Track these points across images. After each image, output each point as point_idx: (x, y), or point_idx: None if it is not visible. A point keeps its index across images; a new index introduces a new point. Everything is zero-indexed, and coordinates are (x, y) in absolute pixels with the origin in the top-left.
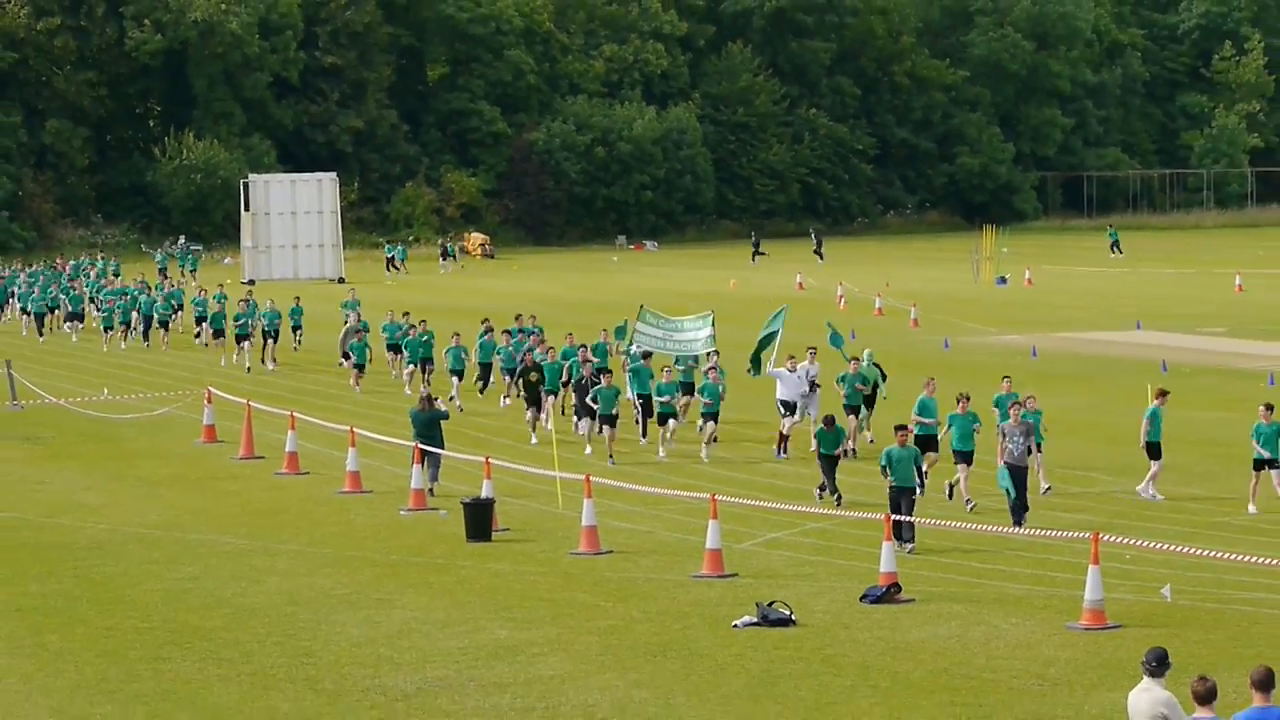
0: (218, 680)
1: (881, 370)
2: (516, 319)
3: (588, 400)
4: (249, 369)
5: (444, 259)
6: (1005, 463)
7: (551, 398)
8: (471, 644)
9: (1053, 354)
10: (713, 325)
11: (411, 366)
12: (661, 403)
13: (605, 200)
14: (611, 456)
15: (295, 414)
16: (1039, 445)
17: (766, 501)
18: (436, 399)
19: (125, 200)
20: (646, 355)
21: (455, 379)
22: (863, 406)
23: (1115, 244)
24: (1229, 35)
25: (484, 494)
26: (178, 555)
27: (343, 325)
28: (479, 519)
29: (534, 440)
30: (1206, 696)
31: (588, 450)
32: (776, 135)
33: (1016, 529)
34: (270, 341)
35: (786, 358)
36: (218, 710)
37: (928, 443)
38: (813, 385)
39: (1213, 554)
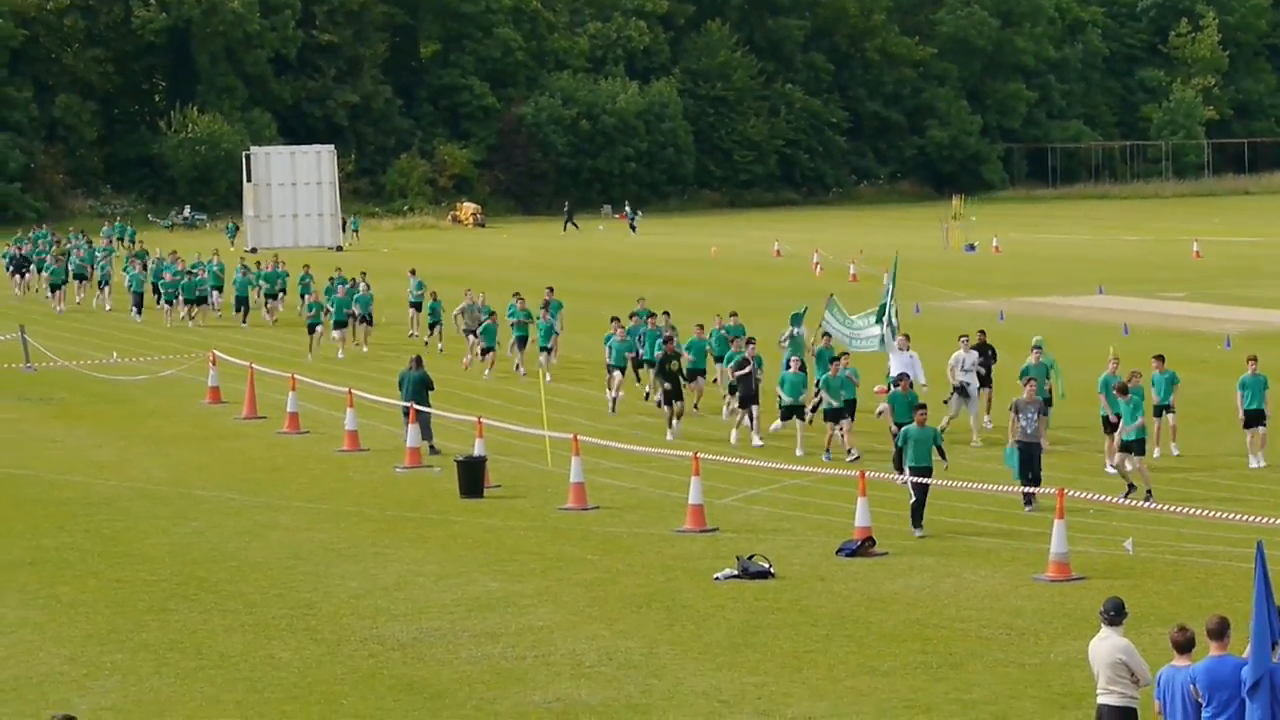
0: (222, 630)
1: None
2: (639, 301)
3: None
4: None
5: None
6: (1018, 441)
7: (619, 373)
8: (464, 595)
9: (1019, 317)
10: (879, 323)
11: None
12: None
13: (590, 171)
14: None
15: (296, 376)
16: (1169, 408)
17: (747, 459)
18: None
19: (132, 171)
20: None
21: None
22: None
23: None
24: (1185, 13)
25: (476, 452)
26: (184, 510)
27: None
28: (471, 476)
29: (671, 434)
30: (1186, 645)
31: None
32: (754, 109)
33: (1028, 509)
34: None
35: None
36: (222, 658)
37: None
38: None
39: (1171, 509)
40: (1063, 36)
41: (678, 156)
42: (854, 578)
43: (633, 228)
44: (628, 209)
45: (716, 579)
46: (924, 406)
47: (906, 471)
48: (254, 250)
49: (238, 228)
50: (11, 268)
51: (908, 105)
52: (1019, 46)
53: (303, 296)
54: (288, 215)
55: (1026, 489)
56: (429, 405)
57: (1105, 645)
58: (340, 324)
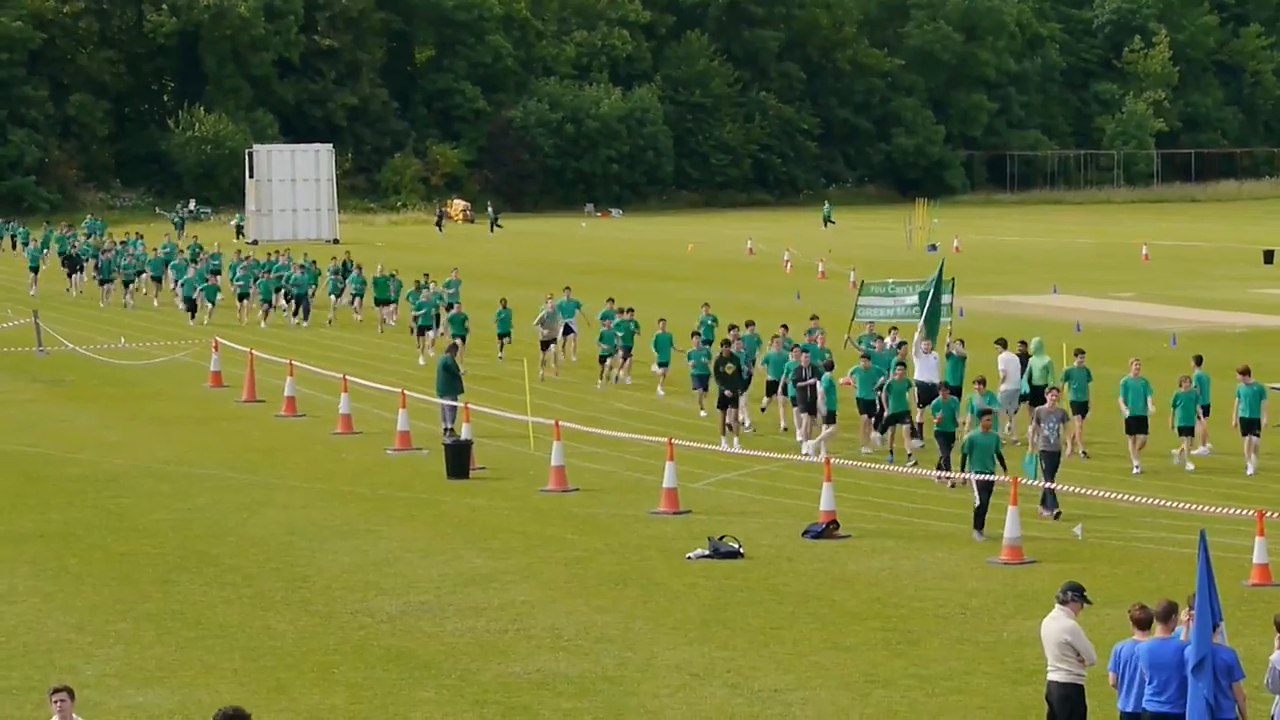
0: (221, 602)
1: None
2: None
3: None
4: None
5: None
6: (1040, 450)
7: (701, 390)
8: (450, 572)
9: (978, 314)
10: (918, 292)
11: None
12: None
13: (575, 172)
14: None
15: (294, 362)
16: (1206, 409)
17: (719, 446)
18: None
19: (142, 167)
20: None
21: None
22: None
23: (828, 218)
24: (1138, 30)
25: (463, 436)
26: (186, 488)
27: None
28: (458, 459)
29: (727, 445)
30: (1144, 622)
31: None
32: (730, 115)
33: (1046, 513)
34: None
35: (924, 337)
36: (221, 628)
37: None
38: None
39: (1120, 497)
40: (1023, 51)
41: (657, 159)
42: (819, 558)
43: (494, 226)
44: (490, 209)
45: (689, 558)
46: (989, 413)
47: (970, 476)
48: (255, 243)
49: (242, 224)
50: (67, 267)
51: (876, 113)
52: (981, 59)
53: (410, 299)
54: (287, 210)
55: (1047, 485)
56: (458, 389)
57: (1054, 625)
58: (425, 328)
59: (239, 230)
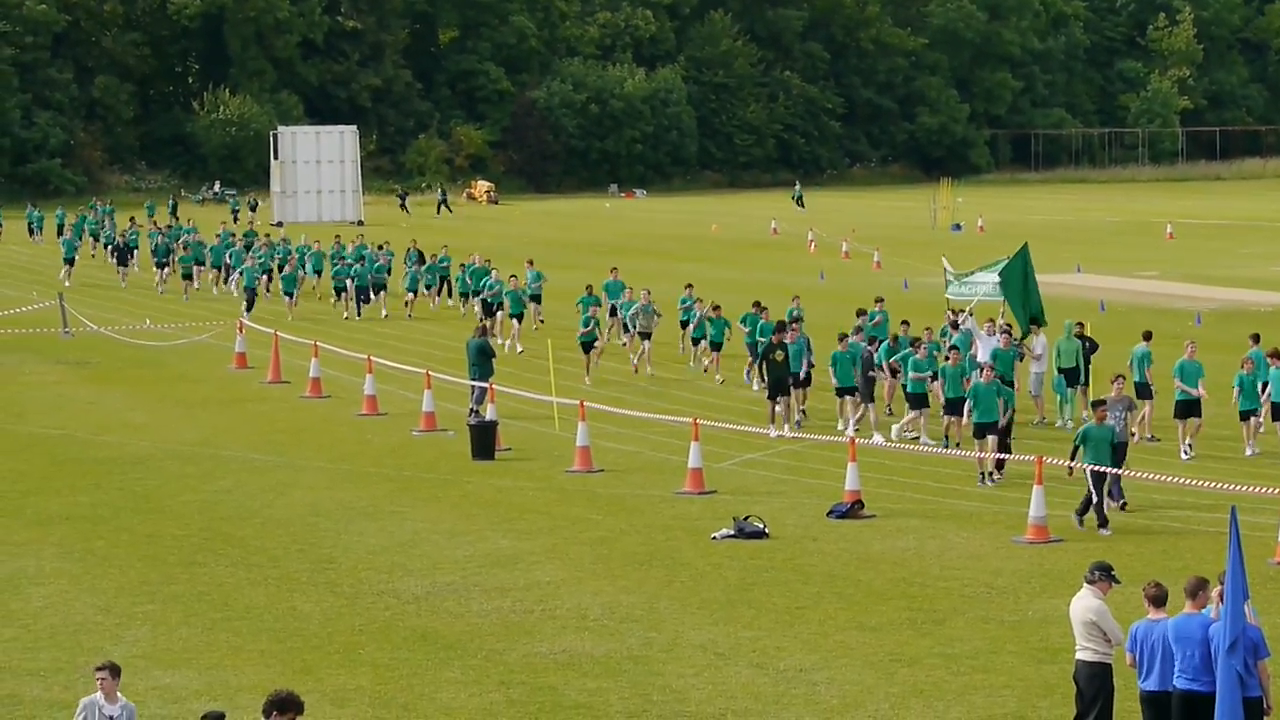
0: (247, 583)
1: (1089, 341)
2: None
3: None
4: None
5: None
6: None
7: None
8: (476, 552)
9: None
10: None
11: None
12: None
13: (599, 153)
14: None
15: (318, 343)
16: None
17: (744, 425)
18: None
19: (166, 150)
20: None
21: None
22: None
23: (798, 199)
24: (1162, 8)
25: (488, 416)
26: (212, 470)
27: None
28: (483, 439)
29: (775, 431)
30: (1159, 600)
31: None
32: (754, 95)
33: (1114, 503)
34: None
35: (986, 320)
36: (247, 610)
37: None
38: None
39: (1146, 475)
40: (1047, 29)
41: (681, 139)
42: (844, 538)
43: (440, 209)
44: (439, 190)
45: (714, 539)
46: (1103, 402)
47: (1085, 468)
48: (279, 224)
49: (257, 203)
50: (115, 257)
51: (899, 93)
52: (1005, 38)
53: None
54: (312, 191)
55: (1113, 472)
56: (490, 371)
57: (1081, 605)
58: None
59: (235, 211)
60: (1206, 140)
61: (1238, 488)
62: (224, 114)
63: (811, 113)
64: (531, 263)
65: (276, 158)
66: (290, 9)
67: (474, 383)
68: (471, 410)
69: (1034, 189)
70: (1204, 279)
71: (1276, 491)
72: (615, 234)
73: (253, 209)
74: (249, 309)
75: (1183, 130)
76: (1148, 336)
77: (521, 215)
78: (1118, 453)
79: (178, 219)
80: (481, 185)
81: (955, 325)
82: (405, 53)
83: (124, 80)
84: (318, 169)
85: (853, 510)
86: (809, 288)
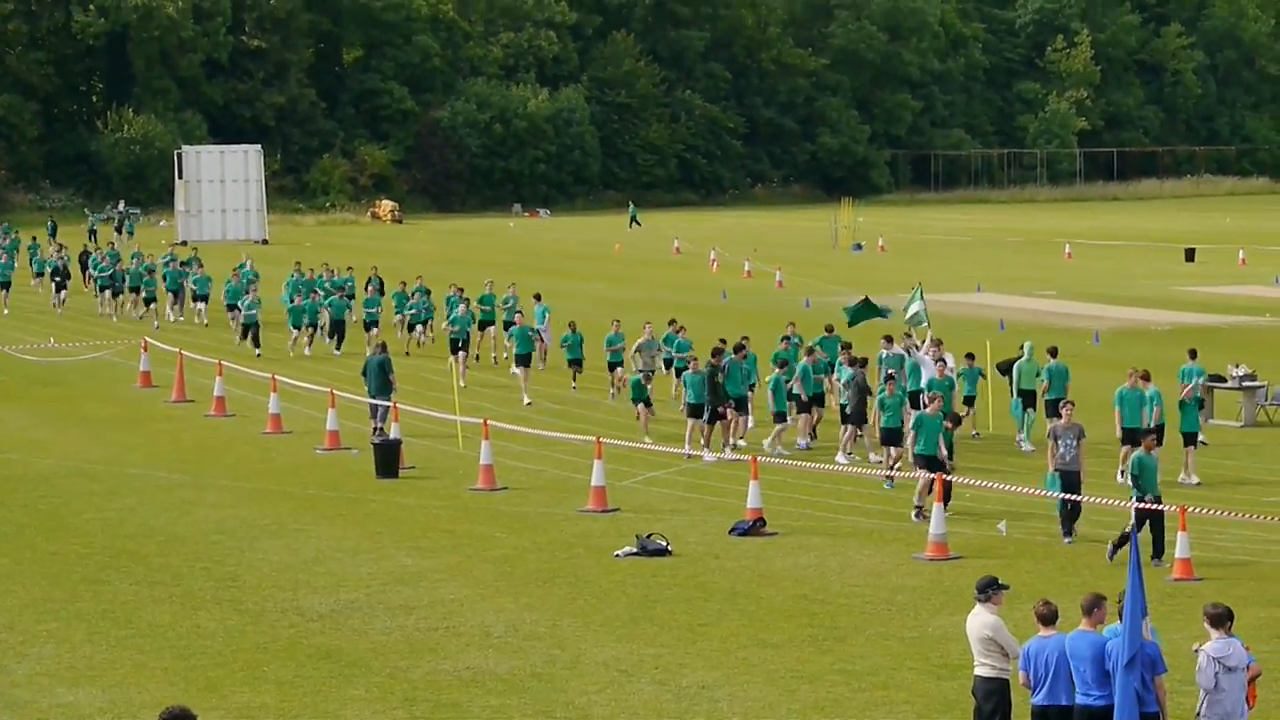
0: (151, 601)
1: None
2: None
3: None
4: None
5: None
6: (1056, 469)
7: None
8: (380, 570)
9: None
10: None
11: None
12: None
13: (502, 172)
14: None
15: (223, 362)
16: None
17: (646, 444)
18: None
19: (70, 168)
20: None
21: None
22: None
23: (634, 219)
24: (1060, 29)
25: (392, 435)
26: (116, 488)
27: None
28: (387, 458)
29: (709, 456)
30: (1049, 618)
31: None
32: (656, 115)
33: (1066, 539)
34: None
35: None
36: (151, 627)
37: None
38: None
39: (1043, 493)
40: (946, 50)
41: (584, 159)
42: (746, 555)
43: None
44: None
45: (617, 556)
46: (1152, 432)
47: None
48: (184, 243)
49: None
50: (103, 286)
51: (801, 113)
52: (905, 59)
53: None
54: (216, 210)
55: (1068, 516)
56: (391, 388)
57: (977, 622)
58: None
59: (119, 226)
60: (1104, 161)
61: (1133, 504)
62: (128, 133)
63: (714, 133)
64: (539, 297)
65: (181, 177)
66: (194, 28)
67: (374, 400)
68: (376, 428)
69: (934, 209)
70: (1102, 298)
71: (1172, 508)
72: (519, 253)
73: (118, 230)
74: (257, 344)
75: (1080, 151)
76: (1053, 351)
77: (426, 234)
78: (1071, 485)
79: (57, 240)
80: (386, 204)
81: (908, 350)
82: (309, 72)
83: (28, 99)
84: (222, 188)
85: (755, 528)
86: (712, 307)
